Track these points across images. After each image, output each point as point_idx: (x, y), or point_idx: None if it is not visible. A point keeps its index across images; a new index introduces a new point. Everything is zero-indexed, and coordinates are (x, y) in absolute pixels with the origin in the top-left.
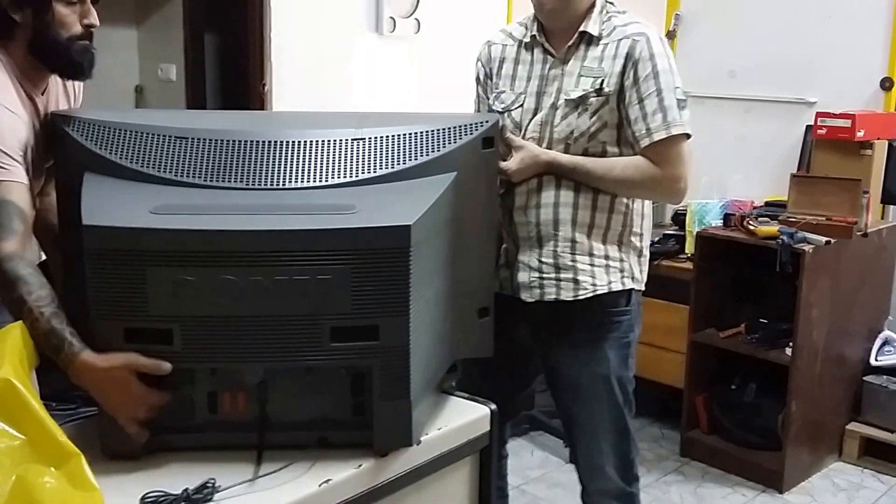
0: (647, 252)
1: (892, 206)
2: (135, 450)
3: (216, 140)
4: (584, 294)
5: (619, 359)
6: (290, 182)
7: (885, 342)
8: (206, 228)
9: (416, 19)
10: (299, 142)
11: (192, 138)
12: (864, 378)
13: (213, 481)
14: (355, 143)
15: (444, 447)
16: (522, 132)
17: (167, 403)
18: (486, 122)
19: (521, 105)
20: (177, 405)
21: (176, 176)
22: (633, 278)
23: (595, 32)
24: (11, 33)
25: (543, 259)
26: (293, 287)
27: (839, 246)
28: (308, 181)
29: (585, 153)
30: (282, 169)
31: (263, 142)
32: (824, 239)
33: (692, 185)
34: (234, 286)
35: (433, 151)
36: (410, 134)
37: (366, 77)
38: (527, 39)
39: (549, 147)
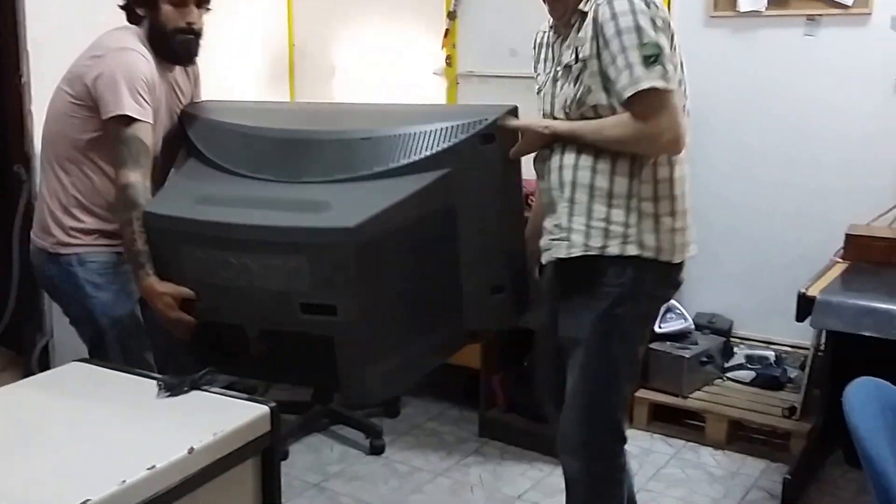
0: (670, 221)
1: None
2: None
3: (262, 137)
4: (574, 252)
5: (597, 328)
6: (304, 176)
7: (668, 310)
8: (215, 220)
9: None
10: (320, 140)
11: (250, 134)
12: (650, 345)
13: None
14: (362, 142)
15: (221, 452)
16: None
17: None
18: (484, 119)
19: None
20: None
21: (233, 167)
22: (641, 245)
23: (586, 9)
24: (139, 23)
25: (553, 221)
26: (271, 269)
27: None
28: (317, 176)
29: (583, 119)
30: (301, 164)
31: (296, 140)
32: None
33: None
34: (232, 265)
35: (425, 150)
36: (408, 134)
37: None
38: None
39: (554, 118)
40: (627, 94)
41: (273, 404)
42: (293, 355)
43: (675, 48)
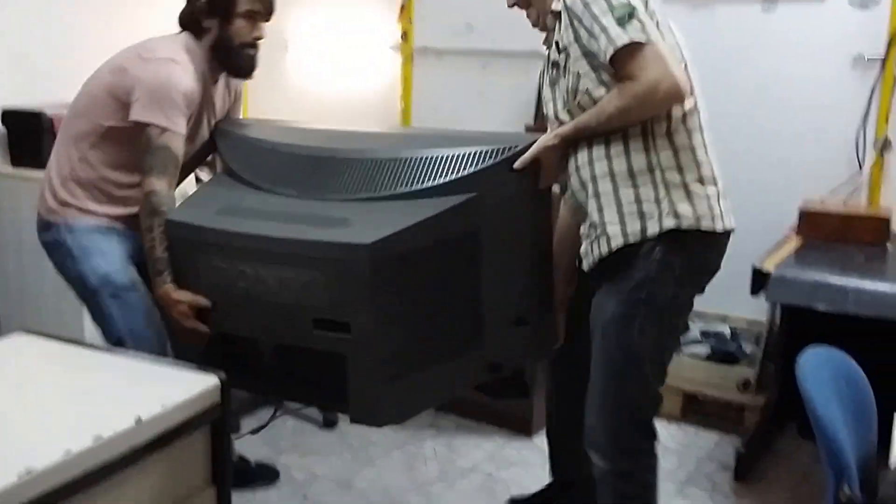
0: (700, 188)
1: None
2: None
3: (290, 154)
4: (615, 245)
5: (619, 314)
6: (328, 193)
7: None
8: (231, 230)
9: None
10: (346, 159)
11: (278, 150)
12: None
13: None
14: (387, 162)
15: (169, 423)
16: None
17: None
18: (513, 146)
19: None
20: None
21: (259, 181)
22: (676, 215)
23: (558, 8)
24: (201, 35)
25: (586, 225)
26: (285, 282)
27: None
28: (339, 193)
29: (583, 111)
30: (325, 182)
31: (322, 157)
32: (557, 188)
33: None
34: (248, 276)
35: (451, 174)
36: (434, 158)
37: None
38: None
39: (561, 122)
40: (609, 54)
41: (223, 376)
42: (305, 373)
43: (652, 13)
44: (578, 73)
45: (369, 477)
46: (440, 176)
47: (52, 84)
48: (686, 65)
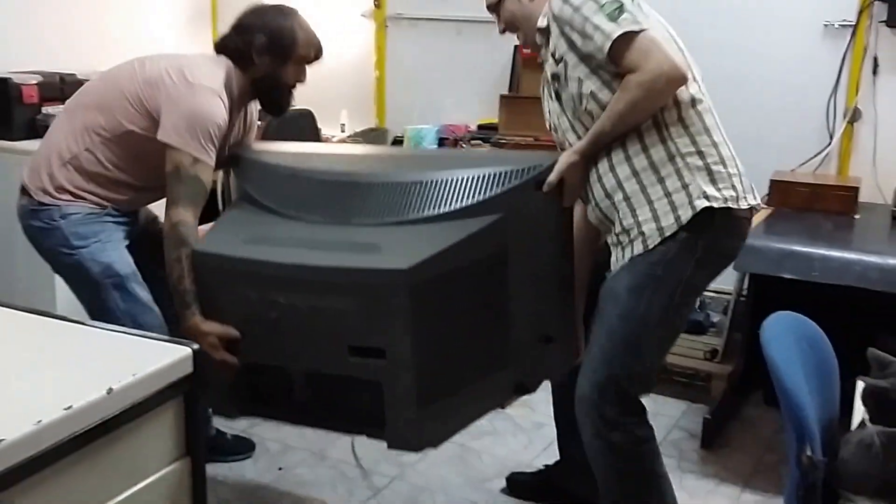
0: (722, 168)
1: None
2: (231, 412)
3: (313, 179)
4: (651, 243)
5: (631, 285)
6: (354, 218)
7: None
8: (262, 259)
9: None
10: (370, 184)
11: (300, 176)
12: None
13: None
14: (413, 186)
15: (141, 393)
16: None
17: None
18: (538, 165)
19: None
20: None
21: (282, 208)
22: (706, 196)
23: (544, 24)
24: (247, 67)
25: (616, 231)
26: (319, 310)
27: None
28: (367, 218)
29: (592, 116)
30: (351, 207)
31: (346, 182)
32: None
33: (410, 110)
34: (280, 305)
35: (478, 196)
36: (460, 179)
37: None
38: None
39: (566, 136)
40: (606, 49)
41: (196, 346)
42: (338, 400)
43: (639, 5)
44: (580, 78)
45: (343, 447)
46: (467, 197)
47: (17, 50)
48: (684, 52)
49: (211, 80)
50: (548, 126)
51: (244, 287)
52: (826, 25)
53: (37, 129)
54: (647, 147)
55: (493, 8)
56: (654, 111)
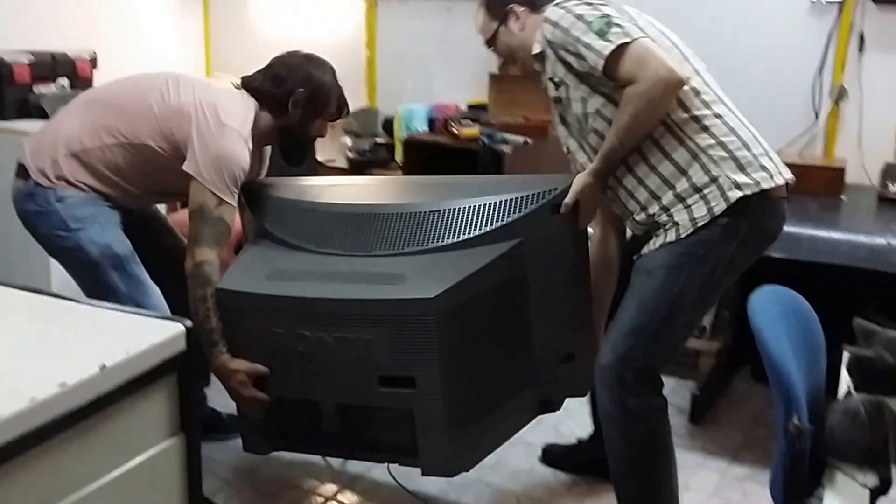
0: (747, 153)
1: None
2: (262, 449)
3: (330, 212)
4: (684, 232)
5: (670, 262)
6: (374, 249)
7: None
8: (288, 295)
9: None
10: (389, 214)
11: (317, 210)
12: None
13: None
14: (432, 215)
15: (135, 370)
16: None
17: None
18: (553, 189)
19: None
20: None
21: (301, 242)
22: (737, 185)
23: (538, 50)
24: (277, 114)
25: (655, 228)
26: (347, 342)
27: (537, 145)
28: (387, 249)
29: (599, 135)
30: (370, 239)
31: (364, 214)
32: (522, 139)
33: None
34: (308, 339)
35: (497, 221)
36: (478, 206)
37: None
38: None
39: (577, 157)
40: (601, 66)
41: (189, 323)
42: (369, 430)
43: (626, 13)
44: (582, 97)
45: None
46: (486, 224)
47: (8, 29)
48: (679, 47)
49: (240, 123)
50: (564, 150)
51: (271, 323)
52: (813, 2)
53: (28, 108)
54: (668, 153)
55: (489, 43)
56: (660, 118)
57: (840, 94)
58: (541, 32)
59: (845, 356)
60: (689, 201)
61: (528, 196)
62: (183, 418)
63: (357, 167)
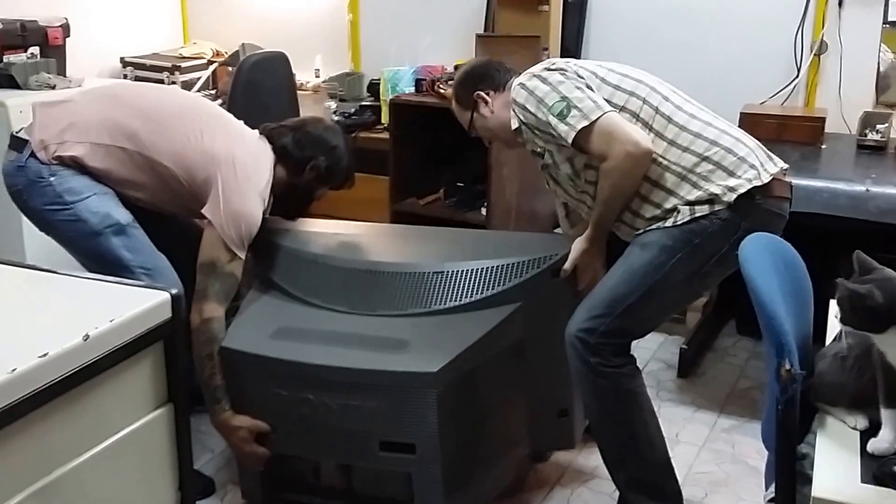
0: (733, 158)
1: None
2: (260, 499)
3: (335, 267)
4: (683, 219)
5: (664, 243)
6: (378, 309)
7: None
8: (292, 359)
9: None
10: (393, 273)
11: (323, 263)
12: (555, 230)
13: None
14: (435, 276)
15: (119, 339)
16: None
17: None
18: (554, 254)
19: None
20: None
21: (306, 296)
22: (732, 189)
23: (516, 125)
24: (293, 172)
25: (645, 214)
26: (350, 409)
27: None
28: (391, 309)
29: (593, 184)
30: (375, 297)
31: (368, 271)
32: None
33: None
34: (311, 402)
35: (498, 286)
36: (480, 269)
37: None
38: None
39: (580, 209)
40: (571, 146)
41: (175, 291)
42: (367, 489)
43: (583, 75)
44: (567, 157)
45: None
46: (488, 288)
47: None
48: (645, 82)
49: (264, 184)
50: (561, 205)
51: (275, 385)
52: None
53: None
54: (658, 183)
55: (469, 127)
56: (638, 183)
57: (821, 48)
58: (513, 111)
59: (838, 287)
60: (696, 209)
61: (529, 261)
62: (170, 388)
63: (343, 130)
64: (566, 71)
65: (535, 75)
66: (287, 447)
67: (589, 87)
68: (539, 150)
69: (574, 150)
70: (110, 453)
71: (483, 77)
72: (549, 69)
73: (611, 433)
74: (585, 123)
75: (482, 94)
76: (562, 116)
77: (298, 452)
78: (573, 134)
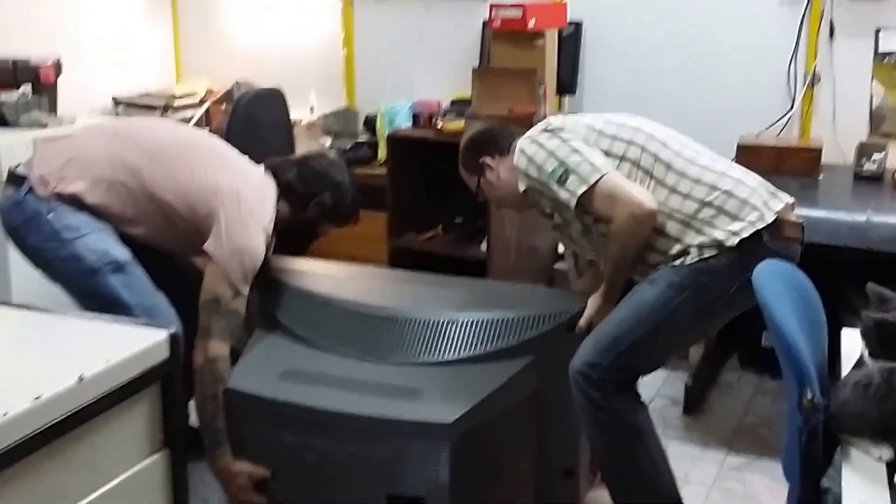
0: (735, 202)
1: (567, 97)
2: None
3: (346, 311)
4: (689, 260)
5: (673, 281)
6: (389, 356)
7: None
8: (300, 403)
9: None
10: (406, 320)
11: (333, 306)
12: (555, 266)
13: None
14: (449, 325)
15: (115, 381)
16: None
17: None
18: (569, 310)
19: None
20: None
21: (314, 339)
22: (734, 233)
23: (524, 188)
24: (297, 208)
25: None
26: (357, 457)
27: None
28: (403, 358)
29: (601, 244)
30: (386, 344)
31: (381, 317)
32: None
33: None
34: (316, 450)
35: (513, 338)
36: (495, 321)
37: None
38: None
39: (599, 260)
40: (574, 210)
41: (172, 329)
42: None
43: (575, 130)
44: (576, 214)
45: None
46: (502, 340)
47: None
48: (643, 129)
49: (268, 219)
50: (572, 259)
51: (280, 429)
52: None
53: None
54: (662, 231)
55: (479, 195)
56: (645, 240)
57: (814, 79)
58: (519, 174)
59: (863, 319)
60: (706, 252)
61: (544, 316)
62: (167, 433)
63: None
64: (563, 130)
65: (533, 140)
66: (287, 497)
67: (587, 144)
68: (548, 211)
69: (576, 213)
70: (103, 503)
71: (487, 143)
72: (546, 131)
73: (616, 468)
74: (585, 188)
75: (487, 160)
76: (561, 182)
77: (299, 502)
78: (574, 200)
